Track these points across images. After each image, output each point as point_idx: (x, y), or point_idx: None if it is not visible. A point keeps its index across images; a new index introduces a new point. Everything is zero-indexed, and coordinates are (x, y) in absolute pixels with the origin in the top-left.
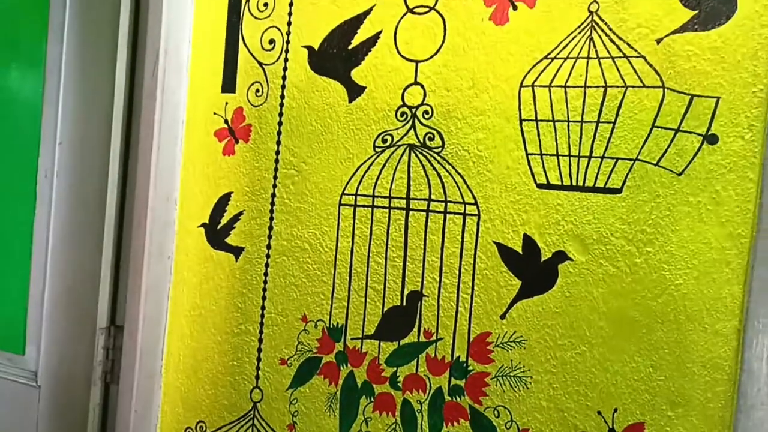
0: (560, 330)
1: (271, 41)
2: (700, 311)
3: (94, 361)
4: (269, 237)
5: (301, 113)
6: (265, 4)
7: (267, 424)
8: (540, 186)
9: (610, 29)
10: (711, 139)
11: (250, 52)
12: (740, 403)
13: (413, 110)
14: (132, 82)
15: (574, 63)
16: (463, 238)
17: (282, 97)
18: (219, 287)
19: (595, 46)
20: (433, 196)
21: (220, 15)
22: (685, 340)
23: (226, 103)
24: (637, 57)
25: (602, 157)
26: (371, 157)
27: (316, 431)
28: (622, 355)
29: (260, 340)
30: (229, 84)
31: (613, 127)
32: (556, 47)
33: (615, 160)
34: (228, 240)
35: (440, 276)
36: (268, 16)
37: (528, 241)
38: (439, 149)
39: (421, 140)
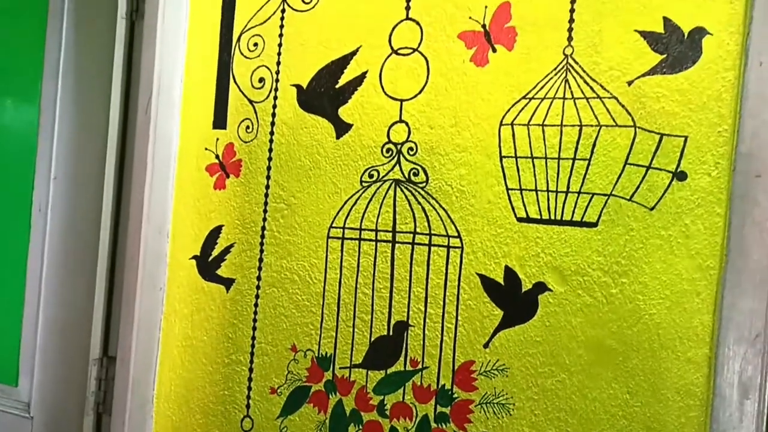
0: (541, 358)
1: (261, 80)
2: (673, 339)
3: (86, 392)
4: (259, 269)
5: (290, 149)
6: (255, 44)
7: None
8: (520, 220)
9: (584, 71)
10: (680, 175)
11: (240, 90)
12: (713, 428)
13: (398, 147)
14: (125, 119)
15: (551, 103)
16: (447, 269)
17: (272, 133)
18: (210, 318)
19: (570, 87)
20: (418, 229)
21: (211, 54)
22: (659, 367)
23: (217, 139)
24: (609, 98)
25: (579, 192)
26: (358, 191)
27: None
28: (600, 382)
29: (251, 370)
30: (220, 120)
31: (588, 164)
32: (534, 88)
33: (591, 195)
34: (219, 272)
35: (425, 306)
36: (258, 56)
37: (509, 272)
38: (424, 184)
39: (406, 175)
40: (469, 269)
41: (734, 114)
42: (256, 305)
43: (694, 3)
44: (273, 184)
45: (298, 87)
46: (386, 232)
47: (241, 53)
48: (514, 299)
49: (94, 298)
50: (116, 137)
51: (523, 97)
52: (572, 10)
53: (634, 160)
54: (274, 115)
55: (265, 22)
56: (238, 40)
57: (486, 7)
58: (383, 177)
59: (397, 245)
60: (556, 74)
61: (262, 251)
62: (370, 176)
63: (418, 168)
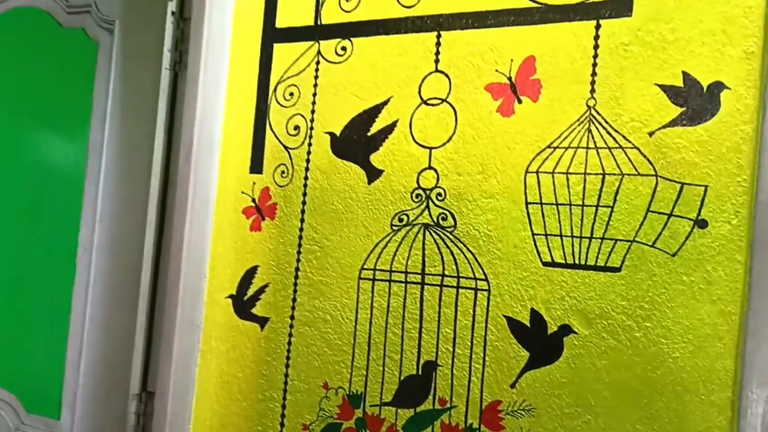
0: (567, 399)
1: (296, 127)
2: (696, 383)
3: (126, 426)
4: (293, 308)
5: (324, 193)
6: (291, 94)
7: None
8: (545, 264)
9: (607, 122)
10: (701, 223)
11: (276, 137)
12: None
13: (427, 192)
14: (168, 164)
15: (575, 152)
16: (474, 311)
17: (306, 178)
18: (245, 355)
19: (593, 138)
20: (446, 272)
21: (249, 103)
22: (683, 410)
23: (254, 183)
24: (631, 148)
25: (602, 238)
26: (389, 234)
27: None
28: (626, 424)
29: (283, 407)
30: (256, 166)
31: (611, 211)
32: (558, 137)
33: (614, 241)
34: (254, 311)
35: (454, 347)
36: (294, 105)
37: (535, 315)
38: (452, 228)
39: (435, 220)
40: (496, 311)
41: (753, 165)
42: (289, 343)
43: (712, 59)
44: (307, 226)
45: (332, 134)
46: (416, 274)
47: (278, 102)
48: (540, 341)
49: (134, 335)
50: (158, 181)
51: (548, 146)
52: (594, 65)
53: (656, 208)
54: (308, 161)
55: (300, 72)
56: (275, 89)
57: (512, 60)
58: (413, 221)
59: (426, 287)
60: (579, 125)
61: (295, 291)
62: (400, 220)
63: (447, 213)
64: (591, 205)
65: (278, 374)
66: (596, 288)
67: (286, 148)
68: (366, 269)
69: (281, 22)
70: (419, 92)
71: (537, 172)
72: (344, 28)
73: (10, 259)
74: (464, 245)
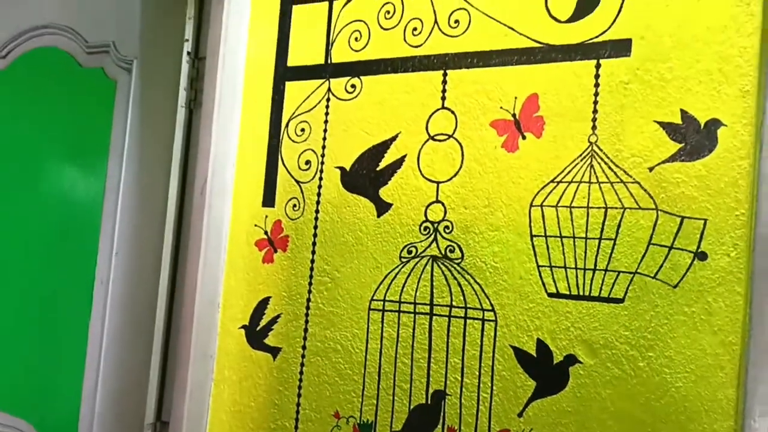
0: (573, 428)
1: (308, 162)
2: (699, 412)
3: None
4: (304, 338)
5: (334, 226)
6: (302, 130)
7: None
8: (551, 295)
9: (608, 158)
10: (701, 255)
11: (288, 171)
12: None
13: (435, 225)
14: (182, 198)
15: (578, 186)
16: (482, 341)
17: (317, 211)
18: (257, 385)
19: (595, 172)
20: (454, 303)
21: (262, 139)
22: None
23: (266, 216)
24: (632, 183)
25: (605, 270)
26: (398, 266)
27: None
28: None
29: None
30: (269, 199)
31: (614, 244)
32: (561, 172)
33: (617, 272)
34: (266, 341)
35: (462, 376)
36: (305, 140)
37: (541, 345)
38: (459, 260)
39: (443, 252)
40: (503, 341)
41: (751, 198)
42: (301, 373)
43: (709, 97)
44: (318, 258)
45: (342, 169)
46: (424, 305)
47: (289, 138)
48: (547, 371)
49: (149, 365)
50: (174, 215)
51: (552, 181)
52: (596, 102)
53: (657, 241)
54: (319, 194)
55: (311, 109)
56: (287, 125)
57: (516, 98)
58: (421, 253)
59: (434, 318)
60: (581, 160)
61: (307, 322)
62: (409, 252)
63: (454, 245)
64: (594, 238)
65: (290, 403)
66: (600, 319)
67: (297, 182)
68: (376, 300)
69: (293, 61)
70: (426, 128)
71: (541, 206)
72: (354, 66)
73: (29, 291)
74: (471, 277)
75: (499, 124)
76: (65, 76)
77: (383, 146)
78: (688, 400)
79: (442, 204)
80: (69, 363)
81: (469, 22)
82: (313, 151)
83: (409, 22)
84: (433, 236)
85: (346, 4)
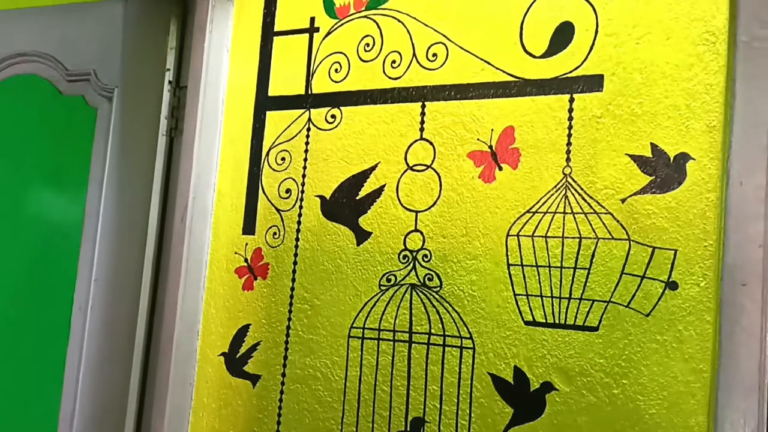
0: None
1: (288, 191)
2: None
3: None
4: (284, 366)
5: (314, 254)
6: (283, 159)
7: None
8: (527, 323)
9: (582, 189)
10: (672, 285)
11: (268, 200)
12: None
13: (414, 254)
14: (162, 225)
15: (553, 217)
16: (460, 369)
17: (297, 239)
18: (237, 413)
19: (569, 203)
20: (433, 331)
21: (242, 167)
22: None
23: (246, 244)
24: (605, 213)
25: (580, 299)
26: (377, 294)
27: None
28: None
29: None
30: (249, 227)
31: (588, 273)
32: (537, 203)
33: (591, 301)
34: (246, 368)
35: (441, 403)
36: (285, 169)
37: (518, 372)
38: (438, 288)
39: (422, 280)
40: (481, 369)
41: (718, 230)
42: (280, 400)
43: (677, 131)
44: (298, 286)
45: (322, 198)
46: (403, 332)
47: (270, 166)
48: (524, 398)
49: (128, 392)
50: (153, 243)
51: (527, 211)
52: (569, 135)
53: (630, 270)
54: (299, 222)
55: (291, 139)
56: (267, 154)
57: (492, 130)
58: (400, 281)
59: (413, 345)
60: (556, 191)
61: (286, 349)
62: (388, 280)
63: (433, 274)
64: (569, 267)
65: (270, 431)
66: (576, 346)
67: (277, 210)
68: (355, 328)
69: (273, 91)
70: (405, 159)
71: (518, 236)
72: (334, 97)
73: (6, 317)
74: (450, 305)
75: (476, 155)
76: (45, 104)
77: (363, 176)
78: (661, 426)
79: (421, 233)
80: (46, 390)
81: (447, 55)
82: (293, 179)
83: (388, 54)
84: (412, 265)
85: (326, 36)
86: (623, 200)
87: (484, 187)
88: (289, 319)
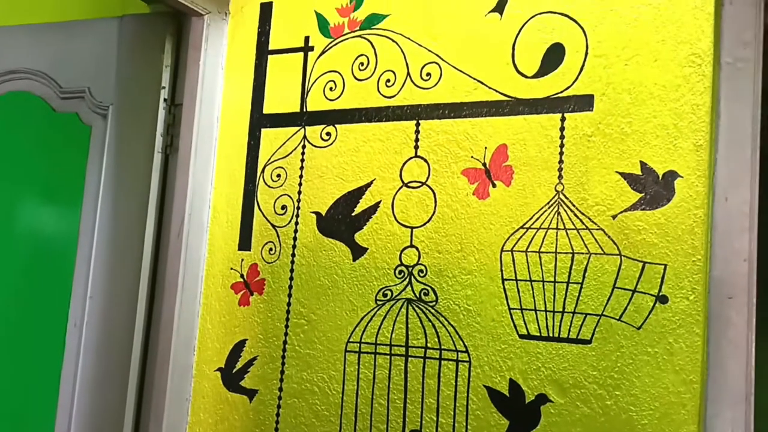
0: None
1: (284, 207)
2: None
3: None
4: (281, 380)
5: (310, 270)
6: (278, 175)
7: None
8: (522, 336)
9: (574, 206)
10: (662, 299)
11: (264, 216)
12: None
13: (410, 269)
14: (158, 242)
15: (546, 233)
16: (456, 382)
17: (293, 255)
18: (234, 428)
19: (562, 219)
20: (429, 344)
21: (238, 184)
22: None
23: (243, 260)
24: (597, 229)
25: (573, 312)
26: (373, 309)
27: None
28: None
29: None
30: (245, 243)
31: (581, 287)
32: (530, 219)
33: (584, 315)
34: (242, 383)
35: (437, 416)
36: (281, 186)
37: (513, 384)
38: (433, 303)
39: (417, 295)
40: (477, 381)
41: (706, 245)
42: (278, 415)
43: (666, 150)
44: (294, 301)
45: (318, 214)
46: (400, 346)
47: (265, 183)
48: (519, 410)
49: (124, 408)
50: (149, 259)
51: (521, 227)
52: (561, 153)
53: (621, 285)
54: (295, 238)
55: (287, 156)
56: (263, 171)
57: (486, 148)
58: (396, 296)
59: (410, 359)
60: (549, 208)
61: (283, 364)
62: (384, 295)
63: (428, 288)
64: (562, 282)
65: None
66: (569, 359)
67: (273, 226)
68: (352, 342)
69: (269, 109)
70: (400, 176)
71: (512, 251)
72: (329, 115)
73: (1, 334)
74: (445, 319)
75: (470, 172)
76: (39, 121)
77: (358, 192)
78: None
79: (417, 249)
80: (41, 406)
81: (440, 75)
82: (289, 196)
83: (382, 74)
84: (407, 280)
85: (320, 55)
86: (614, 216)
87: (478, 203)
88: (286, 334)
